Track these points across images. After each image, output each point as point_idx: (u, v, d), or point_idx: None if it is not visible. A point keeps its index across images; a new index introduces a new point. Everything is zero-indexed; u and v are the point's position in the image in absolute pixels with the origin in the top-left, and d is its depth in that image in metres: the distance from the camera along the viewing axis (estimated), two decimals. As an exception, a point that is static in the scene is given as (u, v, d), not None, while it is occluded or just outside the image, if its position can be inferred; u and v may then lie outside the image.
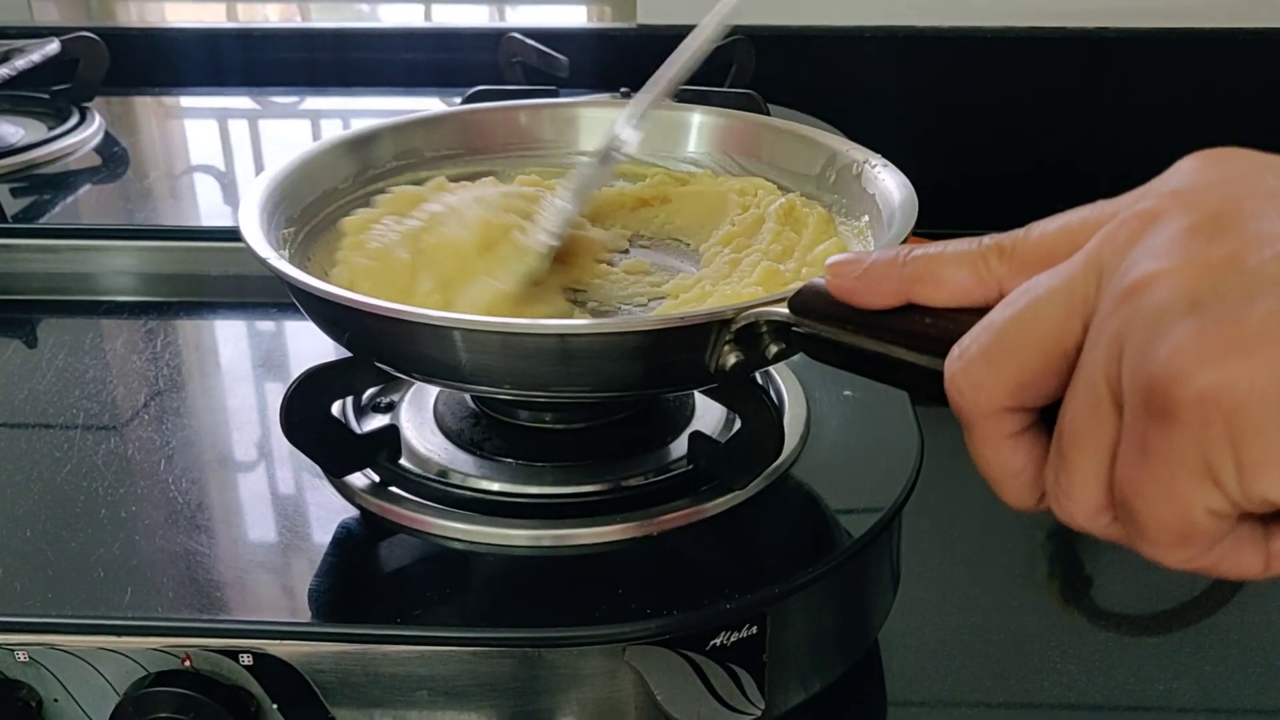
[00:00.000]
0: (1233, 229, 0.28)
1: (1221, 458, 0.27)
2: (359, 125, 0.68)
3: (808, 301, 0.39)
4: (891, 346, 0.37)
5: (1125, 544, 0.30)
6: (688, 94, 0.80)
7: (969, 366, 0.32)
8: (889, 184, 0.58)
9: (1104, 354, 0.29)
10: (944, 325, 0.34)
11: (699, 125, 0.70)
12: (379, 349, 0.51)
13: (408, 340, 0.49)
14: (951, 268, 0.35)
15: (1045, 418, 0.32)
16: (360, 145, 0.66)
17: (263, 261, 0.51)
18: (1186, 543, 0.29)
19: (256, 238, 0.53)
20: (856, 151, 0.62)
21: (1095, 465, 0.30)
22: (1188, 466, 0.27)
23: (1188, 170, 0.31)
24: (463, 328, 0.47)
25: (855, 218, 0.61)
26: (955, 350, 0.33)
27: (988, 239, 0.34)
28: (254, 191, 0.58)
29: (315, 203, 0.63)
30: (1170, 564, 0.30)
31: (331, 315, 0.51)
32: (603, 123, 0.71)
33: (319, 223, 0.62)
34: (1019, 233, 0.34)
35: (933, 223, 0.54)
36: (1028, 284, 0.31)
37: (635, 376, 0.48)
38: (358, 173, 0.66)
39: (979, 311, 0.32)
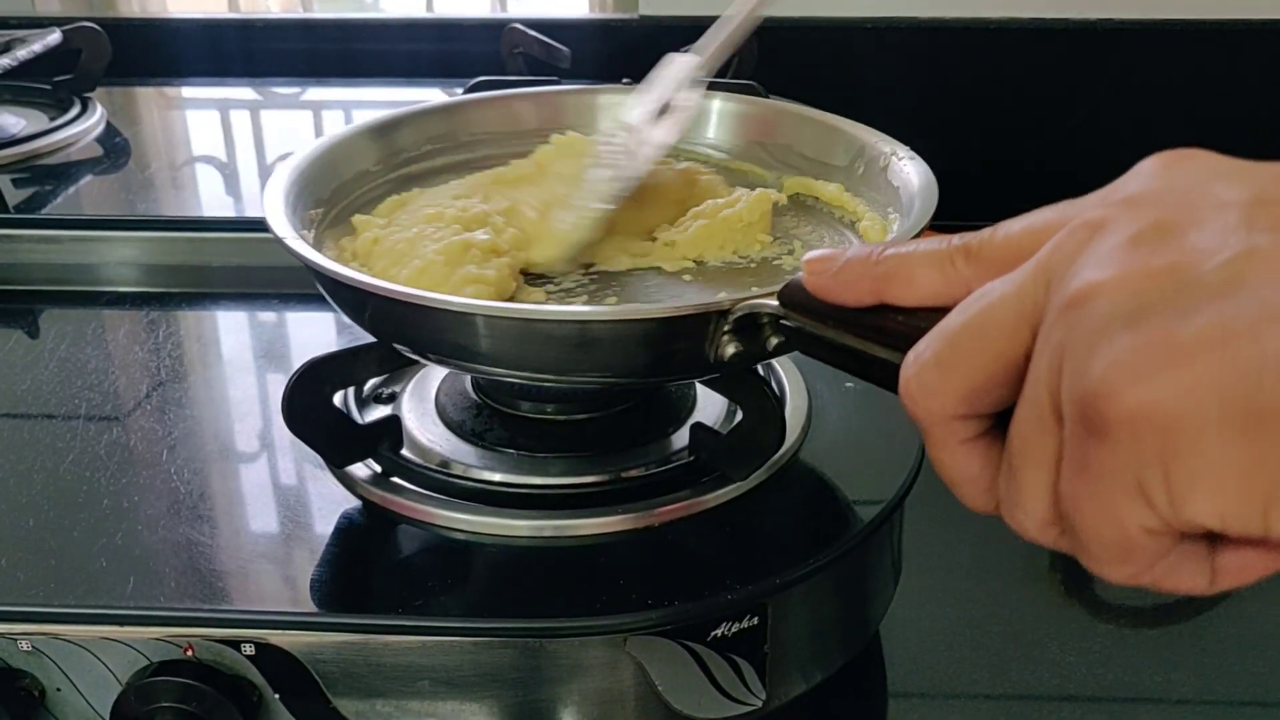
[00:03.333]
0: (1174, 239, 0.27)
1: (1152, 476, 0.26)
2: (385, 113, 0.68)
3: (794, 295, 0.40)
4: (868, 343, 0.37)
5: (1074, 556, 0.30)
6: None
7: (921, 372, 0.32)
8: (912, 176, 0.58)
9: (1047, 366, 0.29)
10: (915, 324, 0.34)
11: (718, 111, 0.70)
12: (399, 332, 0.51)
13: (428, 325, 0.49)
14: (921, 267, 0.34)
15: (1001, 424, 0.32)
16: (388, 131, 0.67)
17: (284, 244, 0.51)
18: (1126, 559, 0.28)
19: (280, 221, 0.53)
20: (884, 143, 0.62)
21: (1041, 477, 0.30)
22: (1121, 484, 0.27)
23: (1144, 175, 0.31)
24: (484, 314, 0.47)
25: (882, 213, 0.60)
26: (910, 355, 0.32)
27: (956, 239, 0.34)
28: (280, 175, 0.58)
29: (345, 185, 0.63)
30: (1113, 580, 0.29)
31: (353, 299, 0.51)
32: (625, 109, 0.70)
33: (350, 204, 0.63)
34: (986, 233, 0.33)
35: (934, 214, 0.54)
36: (982, 290, 0.31)
37: (642, 363, 0.49)
38: (388, 156, 0.66)
39: (948, 311, 0.32)
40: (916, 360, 0.32)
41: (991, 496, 0.33)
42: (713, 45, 0.59)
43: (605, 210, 0.56)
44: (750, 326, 0.46)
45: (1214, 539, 0.29)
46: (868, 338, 0.37)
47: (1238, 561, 0.29)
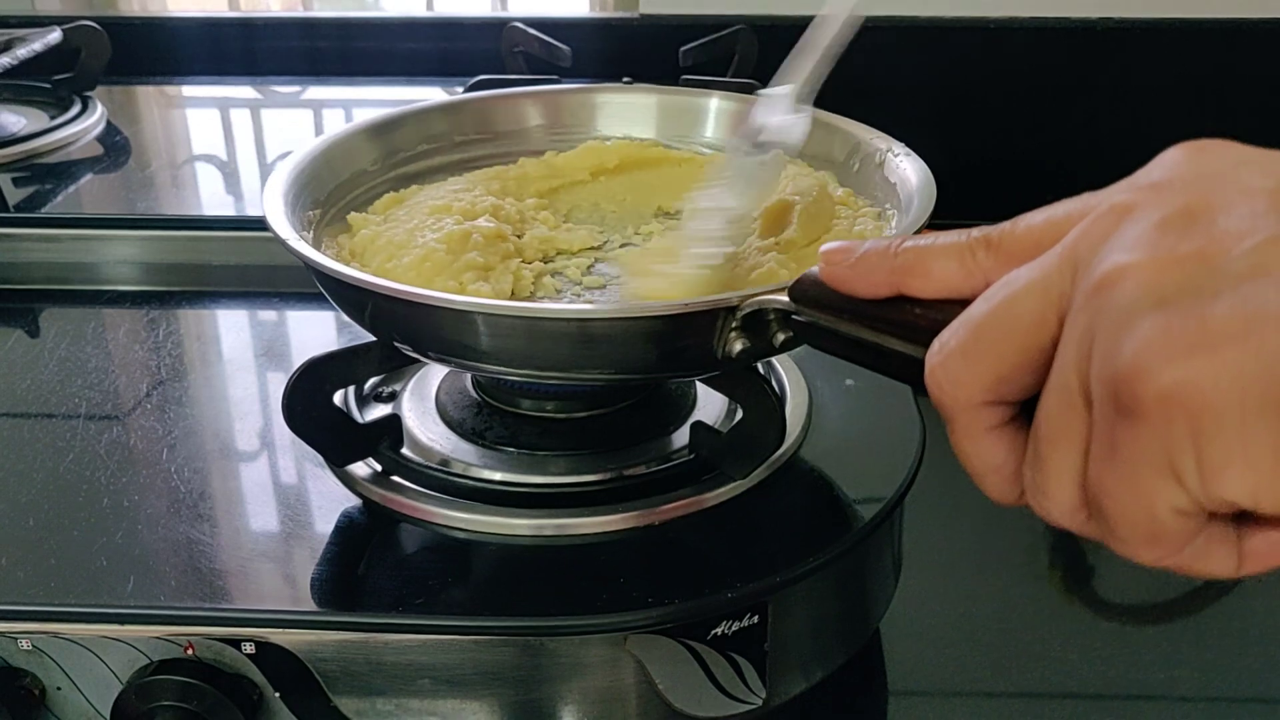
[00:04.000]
0: (1203, 224, 0.28)
1: (1184, 456, 0.26)
2: (381, 112, 0.68)
3: (807, 290, 0.40)
4: (885, 336, 0.37)
5: (1102, 541, 0.30)
6: (691, 83, 0.80)
7: (947, 361, 0.32)
8: (909, 173, 0.58)
9: (1075, 350, 0.29)
10: (934, 316, 0.34)
11: (716, 110, 0.70)
12: (400, 331, 0.51)
13: (431, 323, 0.49)
14: (940, 260, 0.34)
15: (1026, 411, 0.32)
16: (387, 130, 0.67)
17: (284, 243, 0.51)
18: (1155, 541, 0.29)
19: (280, 221, 0.53)
20: (880, 140, 0.62)
21: (1070, 462, 0.30)
22: (1153, 464, 0.27)
23: (1169, 163, 0.31)
24: (485, 312, 0.48)
25: (879, 208, 0.60)
26: (935, 345, 0.32)
27: (976, 231, 0.34)
28: (279, 175, 0.58)
29: (343, 185, 0.63)
30: (1143, 562, 0.30)
31: (354, 298, 0.51)
32: (627, 107, 0.71)
33: (348, 203, 0.63)
34: (1006, 225, 0.34)
35: (934, 212, 0.54)
36: (1006, 278, 0.31)
37: (648, 360, 0.49)
38: (387, 155, 0.66)
39: (967, 303, 0.32)
40: (942, 349, 0.32)
41: (1016, 485, 0.33)
42: (804, 70, 0.58)
43: (727, 254, 0.53)
44: (758, 322, 0.46)
45: (1241, 522, 0.29)
46: (884, 330, 0.37)
47: (1266, 544, 0.29)
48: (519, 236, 0.60)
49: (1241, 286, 0.26)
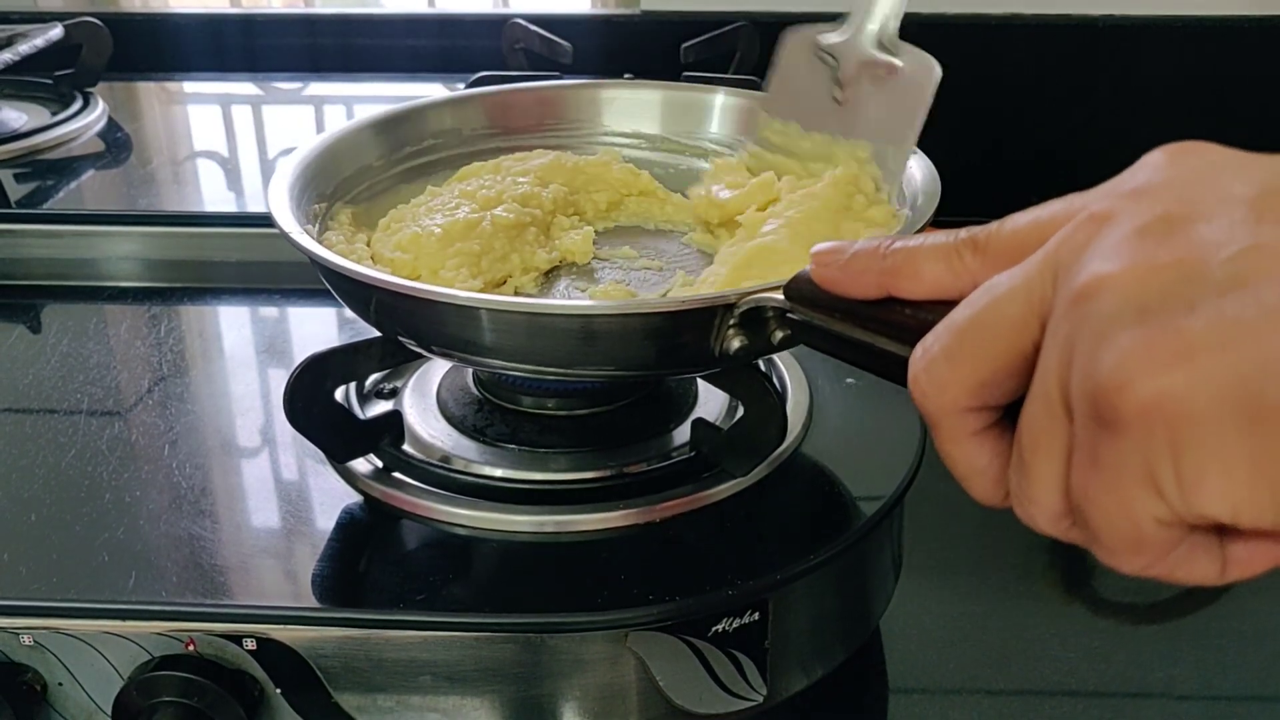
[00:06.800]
0: (1182, 233, 0.28)
1: (1163, 468, 0.26)
2: (387, 108, 0.68)
3: (801, 289, 0.40)
4: (876, 336, 0.37)
5: (1086, 548, 0.30)
6: (692, 80, 0.80)
7: (930, 366, 0.32)
8: (914, 170, 0.58)
9: (1056, 359, 0.29)
10: (923, 317, 0.34)
11: (721, 106, 0.70)
12: (404, 326, 0.51)
13: (432, 318, 0.49)
14: (928, 261, 0.34)
15: (1010, 416, 0.32)
16: (391, 126, 0.67)
17: (289, 238, 0.52)
18: (1138, 550, 0.29)
19: (285, 215, 0.53)
20: None
21: (1053, 469, 0.30)
22: (1133, 476, 0.27)
23: (1151, 166, 0.31)
24: (488, 307, 0.48)
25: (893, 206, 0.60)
26: (919, 349, 0.32)
27: (963, 232, 0.34)
28: (284, 169, 0.58)
29: (348, 180, 0.63)
30: (1126, 570, 0.29)
31: (357, 292, 0.51)
32: (633, 103, 0.71)
33: (352, 199, 0.63)
34: (992, 226, 0.33)
35: (936, 209, 0.54)
36: (989, 283, 0.31)
37: (647, 357, 0.49)
38: (390, 151, 0.66)
39: (957, 305, 0.32)
40: (925, 354, 0.32)
41: (1001, 489, 0.33)
42: None
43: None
44: (755, 320, 0.46)
45: (1224, 529, 0.29)
46: (875, 331, 0.37)
47: (1248, 552, 0.29)
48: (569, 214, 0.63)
49: (1217, 299, 0.26)
